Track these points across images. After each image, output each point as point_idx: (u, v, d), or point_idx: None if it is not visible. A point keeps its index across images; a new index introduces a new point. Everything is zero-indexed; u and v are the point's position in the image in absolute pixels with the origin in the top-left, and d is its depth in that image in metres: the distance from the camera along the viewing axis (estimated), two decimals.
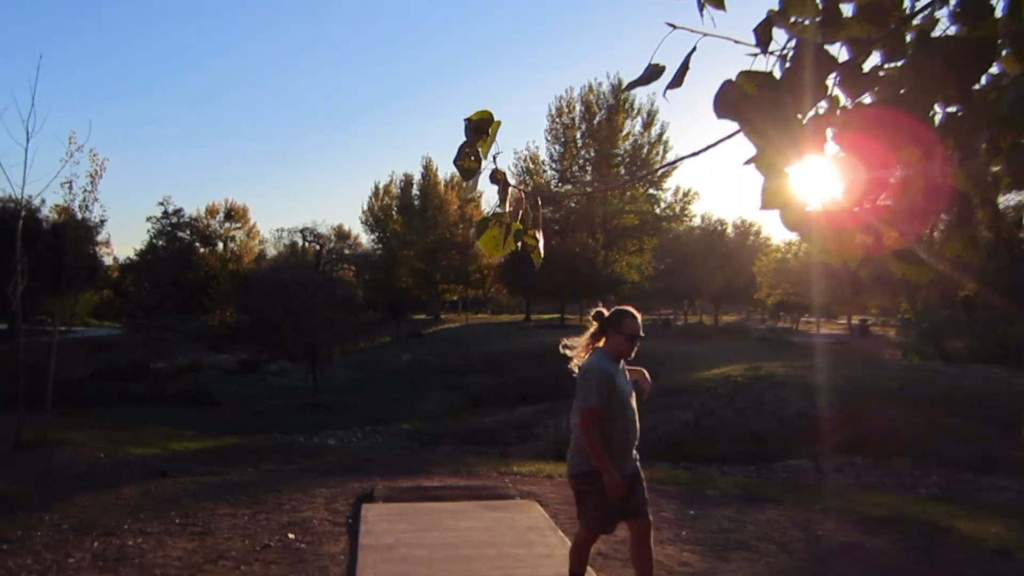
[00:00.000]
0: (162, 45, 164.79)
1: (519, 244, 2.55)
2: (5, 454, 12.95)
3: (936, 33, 2.01)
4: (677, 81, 2.03)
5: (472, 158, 2.37)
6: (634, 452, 5.99)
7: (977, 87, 2.06)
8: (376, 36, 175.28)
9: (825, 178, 2.06)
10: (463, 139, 2.39)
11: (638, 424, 5.97)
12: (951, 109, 2.06)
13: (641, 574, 5.96)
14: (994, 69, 2.08)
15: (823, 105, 1.99)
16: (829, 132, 2.03)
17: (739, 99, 1.89)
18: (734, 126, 1.95)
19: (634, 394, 5.99)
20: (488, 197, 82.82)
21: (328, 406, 33.95)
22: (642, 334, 5.91)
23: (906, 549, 8.43)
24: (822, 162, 2.03)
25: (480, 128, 2.34)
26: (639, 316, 5.98)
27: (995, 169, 2.21)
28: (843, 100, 2.03)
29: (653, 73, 2.08)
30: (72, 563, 7.57)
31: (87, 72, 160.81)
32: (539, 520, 9.23)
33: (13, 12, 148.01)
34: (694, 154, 2.21)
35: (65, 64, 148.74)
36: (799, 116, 1.92)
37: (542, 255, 2.61)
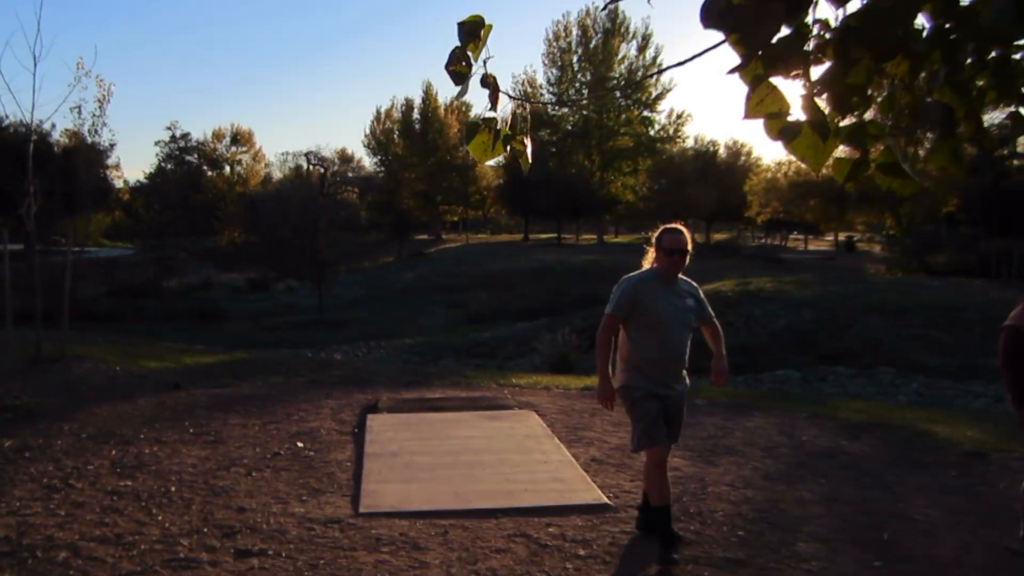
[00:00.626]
0: None
1: (508, 148, 2.49)
2: (25, 368, 13.02)
3: None
4: None
5: (463, 63, 2.32)
6: (683, 381, 5.87)
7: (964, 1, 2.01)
8: None
9: (809, 88, 2.02)
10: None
11: (679, 349, 5.72)
12: (939, 24, 2.02)
13: (646, 490, 5.90)
14: None
15: (810, 16, 1.94)
16: (814, 43, 1.98)
17: (725, 9, 1.83)
18: (720, 36, 1.90)
19: (687, 323, 5.78)
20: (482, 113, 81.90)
21: (334, 322, 34.08)
22: (686, 249, 5.63)
23: (886, 452, 8.53)
24: (806, 72, 1.99)
25: (472, 31, 2.28)
26: (686, 233, 5.70)
27: (980, 83, 2.17)
28: (831, 12, 1.97)
29: None
30: (91, 469, 7.66)
31: None
32: (536, 429, 9.32)
33: None
34: (680, 63, 2.16)
35: None
36: (784, 26, 1.87)
37: (530, 160, 2.55)
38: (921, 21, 2.00)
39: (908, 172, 2.23)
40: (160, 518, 6.33)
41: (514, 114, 2.43)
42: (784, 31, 1.91)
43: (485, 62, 2.33)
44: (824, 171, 2.19)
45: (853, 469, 7.89)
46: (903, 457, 8.37)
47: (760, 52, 1.88)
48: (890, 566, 5.51)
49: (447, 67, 2.34)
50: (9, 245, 16.58)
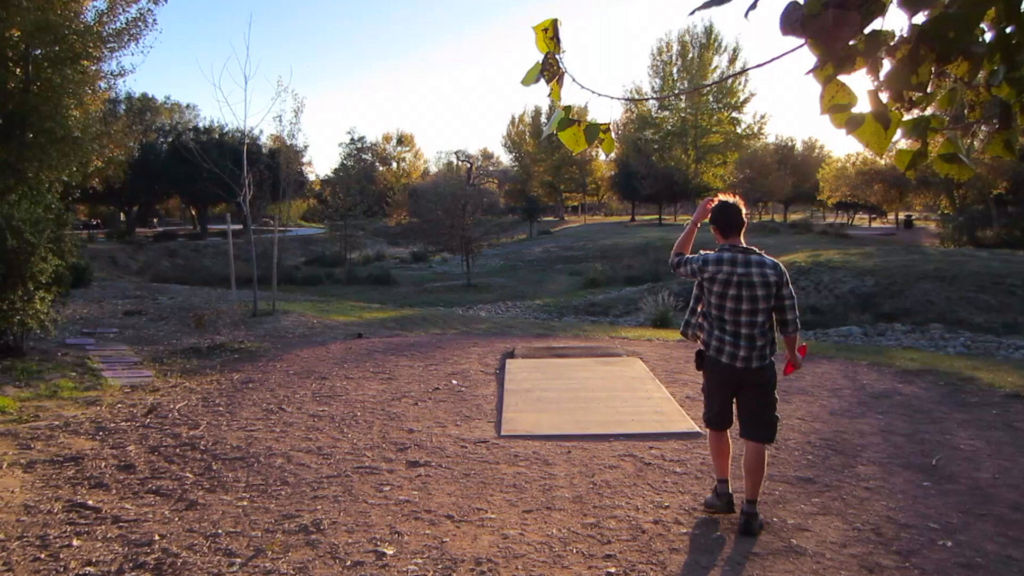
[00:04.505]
0: (344, 7, 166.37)
1: (591, 141, 2.39)
2: (246, 319, 13.66)
3: None
4: (754, 4, 1.90)
5: (554, 65, 2.26)
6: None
7: None
8: None
9: (877, 85, 1.97)
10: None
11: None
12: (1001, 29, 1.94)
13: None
14: None
15: (880, 21, 1.88)
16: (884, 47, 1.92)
17: (804, 18, 1.78)
18: (798, 41, 1.85)
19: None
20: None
21: (478, 286, 34.47)
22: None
23: (936, 394, 8.19)
24: (875, 71, 1.94)
25: (542, 31, 2.22)
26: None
27: None
28: (900, 18, 1.91)
29: None
30: (298, 397, 8.03)
31: (288, 26, 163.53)
32: (641, 372, 9.30)
33: None
34: (760, 65, 2.11)
35: (270, 20, 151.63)
36: (858, 31, 1.81)
37: (613, 144, 2.43)
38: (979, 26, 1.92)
39: (964, 160, 2.16)
40: (350, 435, 6.61)
41: (581, 107, 2.33)
42: (857, 33, 1.85)
43: (555, 56, 2.24)
44: (887, 159, 2.13)
45: (906, 407, 7.62)
46: (950, 398, 8.03)
47: (835, 55, 1.83)
48: (938, 486, 5.33)
49: (542, 72, 2.27)
50: (231, 225, 17.29)
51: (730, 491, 4.82)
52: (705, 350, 4.71)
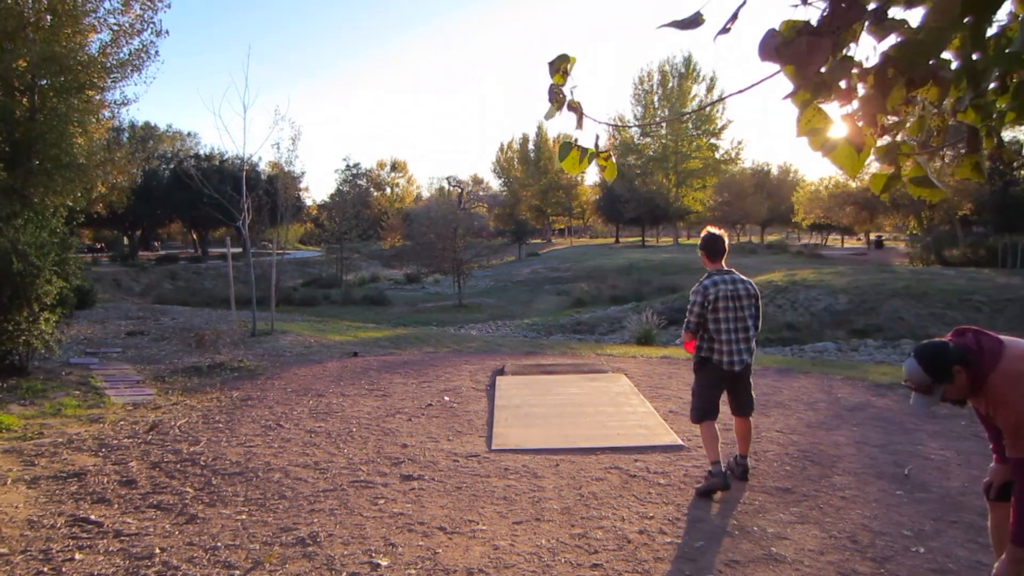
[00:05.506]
0: (339, 39, 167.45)
1: (591, 162, 2.47)
2: (245, 339, 13.58)
3: None
4: (726, 29, 1.91)
5: (560, 95, 2.31)
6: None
7: (989, 34, 1.94)
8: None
9: (850, 111, 1.98)
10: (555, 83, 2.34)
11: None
12: (967, 55, 1.96)
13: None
14: (1004, 18, 1.96)
15: (853, 47, 1.89)
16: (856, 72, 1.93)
17: (780, 44, 1.79)
18: (775, 68, 1.86)
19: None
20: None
21: (469, 306, 34.42)
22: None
23: (907, 406, 8.21)
24: (849, 97, 1.95)
25: (558, 66, 2.27)
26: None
27: (1001, 106, 2.10)
28: (870, 46, 1.92)
29: (694, 20, 1.93)
30: (295, 414, 7.98)
31: (284, 58, 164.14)
32: (626, 388, 9.29)
33: (226, 13, 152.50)
34: (740, 91, 2.12)
35: (268, 52, 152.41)
36: (831, 57, 1.82)
37: (616, 171, 2.53)
38: (947, 54, 1.94)
39: (936, 183, 2.18)
40: (345, 451, 6.56)
41: (597, 136, 2.40)
42: (831, 59, 1.86)
43: (571, 91, 2.32)
44: (858, 183, 2.14)
45: (879, 419, 7.63)
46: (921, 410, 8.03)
47: (809, 80, 1.84)
48: (910, 495, 5.33)
49: (550, 99, 2.33)
50: (231, 248, 17.23)
51: (724, 470, 5.41)
52: (709, 358, 5.55)
